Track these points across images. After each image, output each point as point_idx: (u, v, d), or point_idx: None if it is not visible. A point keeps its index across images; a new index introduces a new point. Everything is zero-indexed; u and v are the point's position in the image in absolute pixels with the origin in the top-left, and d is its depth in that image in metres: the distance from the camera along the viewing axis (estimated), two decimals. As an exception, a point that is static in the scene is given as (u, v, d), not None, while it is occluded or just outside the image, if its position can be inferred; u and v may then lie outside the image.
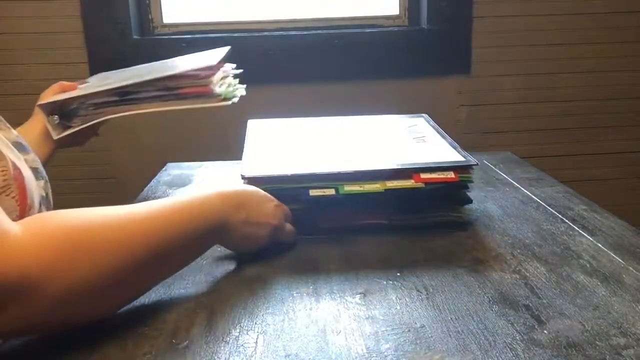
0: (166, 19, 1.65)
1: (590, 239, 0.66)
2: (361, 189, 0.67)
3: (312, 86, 1.63)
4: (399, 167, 0.69)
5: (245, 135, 0.86)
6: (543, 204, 0.78)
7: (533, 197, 0.80)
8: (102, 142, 1.63)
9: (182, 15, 1.66)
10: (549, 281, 0.57)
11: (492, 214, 0.75)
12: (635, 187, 1.76)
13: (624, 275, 0.57)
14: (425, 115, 0.93)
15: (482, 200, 0.80)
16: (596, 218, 0.72)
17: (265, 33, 1.62)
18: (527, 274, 0.58)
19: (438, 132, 0.84)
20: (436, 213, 0.71)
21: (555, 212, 0.74)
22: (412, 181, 0.67)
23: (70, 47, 1.57)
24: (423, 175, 0.68)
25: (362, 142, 0.81)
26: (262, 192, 0.64)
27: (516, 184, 0.86)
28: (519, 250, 0.64)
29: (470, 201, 0.72)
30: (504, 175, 0.90)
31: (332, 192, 0.67)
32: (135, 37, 1.58)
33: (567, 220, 0.72)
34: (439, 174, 0.68)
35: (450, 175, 0.68)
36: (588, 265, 0.59)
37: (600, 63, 1.67)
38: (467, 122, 1.68)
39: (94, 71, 1.57)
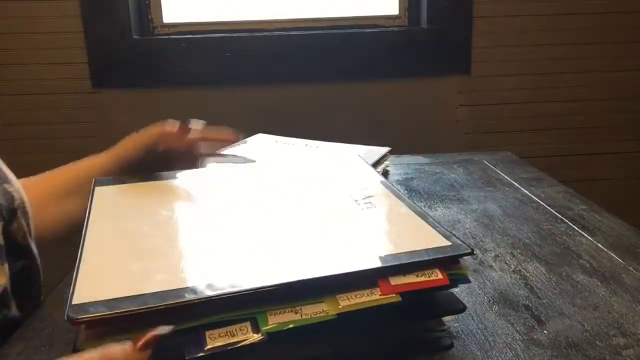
0: (166, 19, 1.65)
1: (590, 239, 0.66)
2: (297, 318, 0.39)
3: (312, 86, 1.63)
4: (355, 269, 0.41)
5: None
6: (543, 204, 0.78)
7: (533, 197, 0.80)
8: (102, 142, 1.63)
9: (182, 15, 1.66)
10: (549, 281, 0.57)
11: (492, 214, 0.75)
12: (635, 187, 1.76)
13: (624, 275, 0.57)
14: (358, 157, 0.68)
15: (482, 200, 0.80)
16: (596, 218, 0.72)
17: (265, 33, 1.62)
18: (527, 274, 0.58)
19: (385, 186, 0.59)
20: (408, 331, 0.46)
21: (555, 212, 0.74)
22: (378, 293, 0.41)
23: (70, 47, 1.57)
24: (395, 281, 0.41)
25: (276, 217, 0.52)
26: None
27: (516, 184, 0.86)
28: (519, 250, 0.64)
29: (463, 309, 0.46)
30: (504, 175, 0.90)
31: (247, 335, 0.38)
32: (135, 37, 1.58)
33: (567, 220, 0.72)
34: (418, 276, 0.42)
35: (436, 275, 0.43)
36: (588, 265, 0.59)
37: (600, 63, 1.67)
38: (467, 122, 1.68)
39: (94, 71, 1.57)
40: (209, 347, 0.37)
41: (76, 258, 0.43)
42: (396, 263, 0.42)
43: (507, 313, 0.51)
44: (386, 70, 1.63)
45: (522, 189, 0.84)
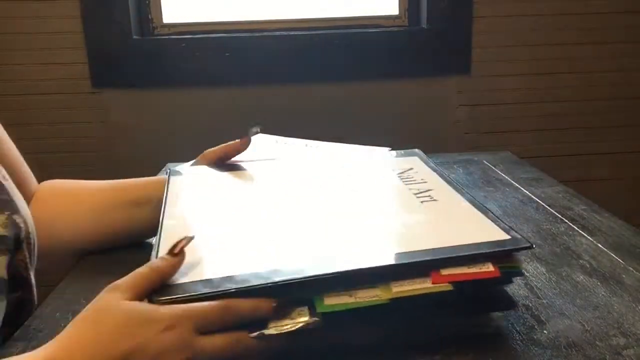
0: (166, 19, 1.65)
1: (590, 239, 0.66)
2: (352, 300, 0.41)
3: (312, 86, 1.63)
4: (408, 260, 0.44)
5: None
6: (543, 204, 0.78)
7: (533, 197, 0.80)
8: (102, 142, 1.63)
9: (182, 15, 1.66)
10: (549, 281, 0.57)
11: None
12: (635, 187, 1.76)
13: (624, 275, 0.57)
14: (419, 152, 0.70)
15: (482, 200, 0.80)
16: (596, 218, 0.72)
17: (265, 33, 1.62)
18: (527, 274, 0.58)
19: (447, 181, 0.60)
20: (456, 323, 0.49)
21: (555, 212, 0.74)
22: (429, 282, 0.43)
23: (70, 47, 1.57)
24: (445, 272, 0.43)
25: (336, 210, 0.54)
26: (138, 312, 0.39)
27: (516, 184, 0.86)
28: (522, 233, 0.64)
29: (512, 305, 0.49)
30: (504, 175, 0.90)
31: (304, 318, 0.41)
32: (135, 37, 1.58)
33: (567, 220, 0.72)
34: (470, 268, 0.44)
35: (488, 268, 0.44)
36: (588, 265, 0.59)
37: (600, 63, 1.67)
38: (467, 122, 1.68)
39: (94, 71, 1.57)
40: (270, 329, 0.41)
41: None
42: (448, 256, 0.44)
43: (507, 313, 0.51)
44: (386, 70, 1.63)
45: (522, 189, 0.84)
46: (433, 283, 0.43)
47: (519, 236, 0.47)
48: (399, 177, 0.62)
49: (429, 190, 0.57)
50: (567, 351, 0.45)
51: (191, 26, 1.65)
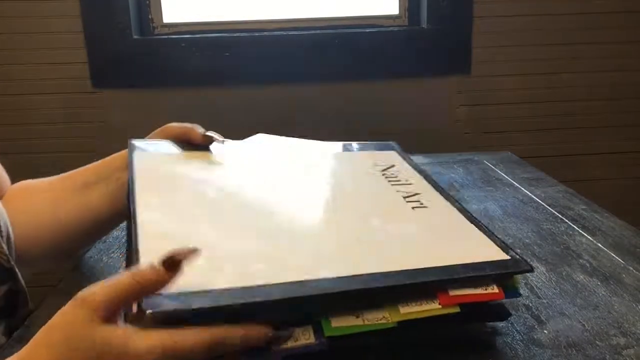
0: (166, 19, 1.65)
1: (590, 238, 0.66)
2: (360, 323, 0.39)
3: (312, 86, 1.63)
4: (418, 280, 0.42)
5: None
6: (543, 204, 0.78)
7: (533, 197, 0.80)
8: (102, 142, 1.63)
9: (182, 15, 1.66)
10: (549, 281, 0.56)
11: (492, 214, 0.75)
12: (635, 187, 1.76)
13: (624, 275, 0.57)
14: (395, 145, 0.66)
15: (482, 200, 0.80)
16: (596, 218, 0.72)
17: (265, 33, 1.61)
18: (527, 274, 0.58)
19: (431, 183, 0.57)
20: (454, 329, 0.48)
21: (555, 212, 0.74)
22: (437, 304, 0.42)
23: (70, 47, 1.57)
24: (453, 293, 0.42)
25: (328, 215, 0.50)
26: (113, 346, 0.34)
27: (516, 184, 0.86)
28: (519, 250, 0.64)
29: (507, 315, 0.47)
30: (504, 175, 0.90)
31: (308, 339, 0.38)
32: (135, 37, 1.58)
33: (567, 220, 0.72)
34: (476, 289, 0.43)
35: (493, 289, 0.43)
36: (588, 265, 0.59)
37: (600, 63, 1.67)
38: (467, 122, 1.68)
39: (94, 71, 1.57)
40: (273, 350, 0.37)
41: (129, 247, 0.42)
42: (457, 276, 0.43)
43: (507, 313, 0.51)
44: (386, 70, 1.63)
45: (522, 189, 0.84)
46: (442, 304, 0.42)
47: (518, 257, 0.47)
48: (383, 175, 0.58)
49: (416, 194, 0.55)
50: (567, 351, 0.45)
51: (191, 26, 1.65)
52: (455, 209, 0.53)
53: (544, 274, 0.58)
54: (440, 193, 0.55)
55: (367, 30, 1.64)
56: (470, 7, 1.60)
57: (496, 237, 0.49)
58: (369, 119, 1.62)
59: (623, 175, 1.75)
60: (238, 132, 0.95)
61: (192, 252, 0.37)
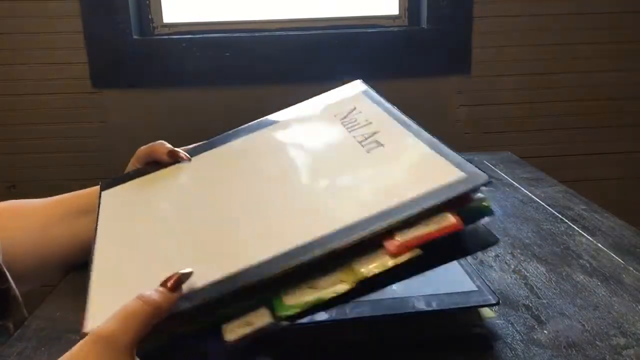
0: (166, 19, 1.65)
1: (590, 239, 0.66)
2: (315, 294, 0.37)
3: (312, 86, 1.62)
4: (359, 234, 0.37)
5: None
6: (543, 204, 0.78)
7: (533, 197, 0.80)
8: (102, 142, 1.63)
9: (182, 15, 1.66)
10: (549, 281, 0.56)
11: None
12: (635, 187, 1.76)
13: (624, 275, 0.57)
14: (360, 84, 0.64)
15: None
16: (596, 218, 0.72)
17: (265, 33, 1.62)
18: (527, 274, 0.58)
19: (393, 116, 0.51)
20: (445, 324, 0.46)
21: (555, 212, 0.74)
22: (387, 255, 0.37)
23: (70, 47, 1.57)
24: (401, 237, 0.37)
25: (276, 185, 0.48)
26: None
27: (516, 184, 0.86)
28: (519, 250, 0.64)
29: (494, 241, 0.41)
30: (504, 175, 0.90)
31: (266, 318, 0.37)
32: (135, 37, 1.58)
33: (567, 220, 0.72)
34: (427, 225, 0.37)
35: (448, 220, 0.38)
36: (588, 265, 0.59)
37: (600, 63, 1.67)
38: (467, 122, 1.68)
39: (94, 71, 1.57)
40: (228, 340, 0.36)
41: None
42: (395, 220, 0.37)
43: (507, 313, 0.51)
44: (386, 70, 1.63)
45: (522, 189, 0.84)
46: (391, 254, 0.37)
47: (476, 170, 0.39)
48: (342, 123, 0.54)
49: (374, 133, 0.50)
50: (567, 351, 0.45)
51: (191, 26, 1.65)
52: (412, 135, 0.48)
53: (544, 274, 0.58)
54: (401, 123, 0.50)
55: (367, 30, 1.64)
56: (470, 7, 1.60)
57: (454, 153, 0.43)
58: (369, 119, 1.62)
59: (623, 175, 1.75)
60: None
61: (187, 274, 0.38)
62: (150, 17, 1.64)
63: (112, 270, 0.44)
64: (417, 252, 0.37)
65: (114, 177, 0.60)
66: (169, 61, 1.59)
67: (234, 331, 0.37)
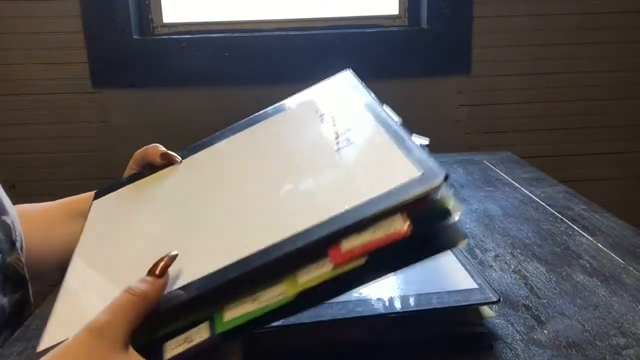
0: (166, 19, 1.65)
1: (590, 239, 0.66)
2: (255, 307, 0.35)
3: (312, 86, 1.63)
4: (302, 242, 0.36)
5: None
6: (543, 204, 0.78)
7: (533, 197, 0.80)
8: (102, 142, 1.63)
9: (182, 15, 1.66)
10: (549, 281, 0.56)
11: (492, 214, 0.75)
12: (635, 187, 1.76)
13: (624, 275, 0.57)
14: (348, 74, 0.62)
15: (482, 200, 0.80)
16: (596, 218, 0.72)
17: (265, 33, 1.62)
18: (527, 274, 0.58)
19: (371, 111, 0.48)
20: (444, 324, 0.43)
21: (555, 212, 0.74)
22: (329, 264, 0.35)
23: (70, 47, 1.57)
24: (347, 245, 0.35)
25: (245, 192, 0.47)
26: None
27: (516, 184, 0.86)
28: (519, 250, 0.64)
29: (465, 236, 0.36)
30: (504, 175, 0.90)
31: (204, 334, 0.36)
32: (135, 37, 1.58)
33: (567, 220, 0.72)
34: (374, 232, 0.35)
35: (396, 226, 0.34)
36: (588, 265, 0.59)
37: (600, 63, 1.67)
38: (467, 122, 1.68)
39: (94, 71, 1.57)
40: (168, 357, 0.36)
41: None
42: (337, 227, 0.35)
43: (507, 313, 0.51)
44: (386, 70, 1.63)
45: (522, 189, 0.84)
46: (334, 264, 0.34)
47: (433, 167, 0.36)
48: (321, 119, 0.52)
49: (349, 130, 0.47)
50: (567, 351, 0.45)
51: (191, 26, 1.65)
52: (384, 132, 0.43)
53: (544, 274, 0.58)
54: (376, 119, 0.46)
55: (367, 30, 1.64)
56: (470, 7, 1.60)
57: (417, 149, 0.39)
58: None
59: (623, 175, 1.75)
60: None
61: (173, 257, 0.39)
62: (150, 17, 1.64)
63: (79, 291, 0.43)
64: (361, 261, 0.34)
65: (107, 185, 0.60)
66: (169, 61, 1.59)
67: (173, 349, 0.36)
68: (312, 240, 0.35)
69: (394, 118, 0.45)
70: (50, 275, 0.64)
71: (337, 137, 0.47)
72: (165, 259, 0.38)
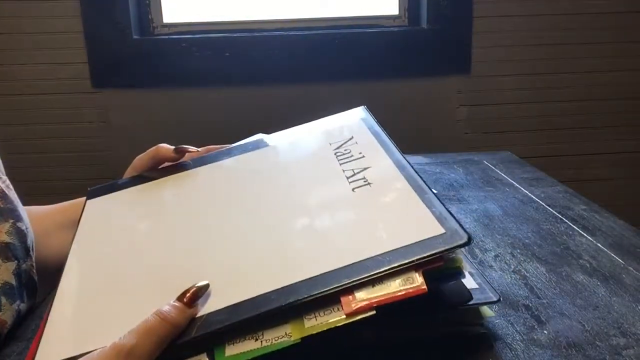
0: (166, 19, 1.65)
1: (590, 239, 0.66)
2: (258, 346, 0.35)
3: (312, 86, 1.63)
4: (316, 290, 0.36)
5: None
6: (543, 204, 0.78)
7: (533, 197, 0.80)
8: (102, 142, 1.63)
9: (182, 15, 1.66)
10: (549, 281, 0.56)
11: (492, 214, 0.75)
12: (635, 187, 1.76)
13: (624, 275, 0.57)
14: (363, 111, 0.61)
15: (482, 200, 0.80)
16: (596, 218, 0.72)
17: (265, 33, 1.62)
18: (527, 274, 0.58)
19: (388, 152, 0.49)
20: (439, 324, 0.44)
21: (555, 212, 0.74)
22: (341, 313, 0.35)
23: (70, 47, 1.57)
24: (361, 296, 0.36)
25: (253, 224, 0.46)
26: None
27: (516, 184, 0.86)
28: (519, 250, 0.64)
29: (469, 298, 0.41)
30: (504, 175, 0.90)
31: None
32: (135, 37, 1.58)
33: (567, 220, 0.72)
34: (389, 286, 0.36)
35: (412, 282, 0.36)
36: (588, 265, 0.59)
37: (600, 63, 1.67)
38: (467, 122, 1.68)
39: (94, 71, 1.57)
40: None
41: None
42: (356, 279, 0.36)
43: (507, 313, 0.51)
44: (386, 70, 1.63)
45: (522, 189, 0.84)
46: (347, 314, 0.35)
47: (456, 228, 0.37)
48: (335, 154, 0.52)
49: (365, 168, 0.48)
50: (567, 351, 0.45)
51: (191, 26, 1.65)
52: (403, 178, 0.45)
53: (544, 274, 0.58)
54: (395, 162, 0.47)
55: (367, 31, 1.64)
56: (470, 7, 1.60)
57: (439, 204, 0.41)
58: (369, 119, 1.63)
59: (623, 175, 1.75)
60: (238, 132, 0.95)
61: (203, 287, 0.38)
62: (150, 17, 1.64)
63: (74, 299, 0.42)
64: (371, 312, 0.35)
65: (101, 186, 0.58)
66: (168, 61, 1.59)
67: None
68: (329, 288, 0.36)
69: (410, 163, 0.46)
70: (47, 279, 0.64)
71: (352, 175, 0.47)
72: (195, 289, 0.37)
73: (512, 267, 0.60)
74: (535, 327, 0.49)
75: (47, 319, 0.40)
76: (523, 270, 0.59)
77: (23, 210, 0.57)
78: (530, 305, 0.52)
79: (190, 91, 1.62)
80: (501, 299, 0.47)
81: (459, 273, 0.38)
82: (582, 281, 0.56)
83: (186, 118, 1.62)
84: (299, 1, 1.67)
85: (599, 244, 0.64)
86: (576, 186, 0.87)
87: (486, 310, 0.47)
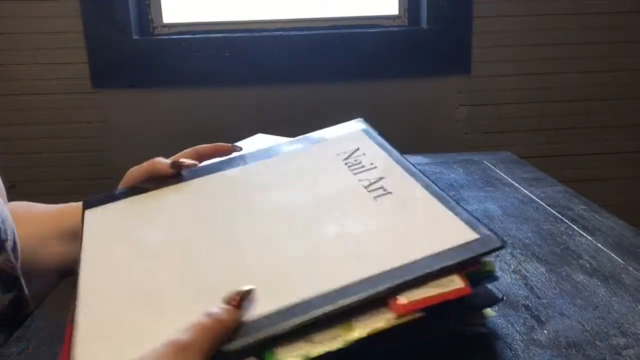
0: (166, 19, 1.65)
1: (590, 239, 0.66)
2: (310, 348, 0.35)
3: (312, 86, 1.63)
4: (366, 293, 0.37)
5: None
6: (543, 204, 0.78)
7: (533, 197, 0.80)
8: (102, 142, 1.63)
9: (182, 15, 1.66)
10: (548, 281, 0.56)
11: (492, 214, 0.75)
12: (635, 187, 1.76)
13: (624, 275, 0.57)
14: (362, 122, 0.61)
15: (482, 200, 0.80)
16: (596, 218, 0.72)
17: (265, 33, 1.62)
18: (527, 274, 0.58)
19: (398, 162, 0.51)
20: (444, 324, 0.44)
21: (555, 212, 0.74)
22: (390, 315, 0.36)
23: (70, 47, 1.57)
24: (406, 298, 0.37)
25: (275, 230, 0.45)
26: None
27: (516, 184, 0.86)
28: (518, 250, 0.64)
29: (498, 299, 0.45)
30: (504, 175, 0.90)
31: None
32: (135, 37, 1.58)
33: (567, 220, 0.72)
34: (433, 288, 0.37)
35: (454, 284, 0.38)
36: (588, 265, 0.59)
37: (600, 63, 1.67)
38: (467, 122, 1.68)
39: (94, 71, 1.57)
40: None
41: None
42: (404, 280, 0.37)
43: (507, 313, 0.51)
44: (386, 70, 1.63)
45: (522, 189, 0.84)
46: (395, 315, 0.36)
47: (489, 233, 0.40)
48: (346, 164, 0.52)
49: (380, 178, 0.49)
50: (567, 351, 0.45)
51: (191, 26, 1.65)
52: (420, 186, 0.47)
53: (544, 274, 0.58)
54: (406, 170, 0.49)
55: (367, 31, 1.64)
56: (470, 7, 1.60)
57: (465, 211, 0.43)
58: (369, 119, 1.62)
59: (623, 175, 1.75)
60: (238, 132, 0.95)
61: (250, 291, 0.37)
62: (150, 17, 1.64)
63: (102, 313, 0.40)
64: (419, 314, 0.36)
65: (97, 197, 0.56)
66: (168, 61, 1.59)
67: None
68: (379, 290, 0.37)
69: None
70: (46, 280, 0.63)
71: (370, 184, 0.48)
72: (243, 292, 0.37)
73: (512, 267, 0.60)
74: (535, 327, 0.49)
75: (71, 333, 0.38)
76: (523, 270, 0.59)
77: (3, 203, 0.56)
78: (530, 305, 0.52)
79: (190, 91, 1.62)
80: (504, 298, 0.47)
81: (494, 277, 0.41)
82: (582, 281, 0.56)
83: (186, 118, 1.62)
84: (299, 1, 1.67)
85: (599, 244, 0.64)
86: (576, 186, 0.87)
87: (488, 310, 0.47)
